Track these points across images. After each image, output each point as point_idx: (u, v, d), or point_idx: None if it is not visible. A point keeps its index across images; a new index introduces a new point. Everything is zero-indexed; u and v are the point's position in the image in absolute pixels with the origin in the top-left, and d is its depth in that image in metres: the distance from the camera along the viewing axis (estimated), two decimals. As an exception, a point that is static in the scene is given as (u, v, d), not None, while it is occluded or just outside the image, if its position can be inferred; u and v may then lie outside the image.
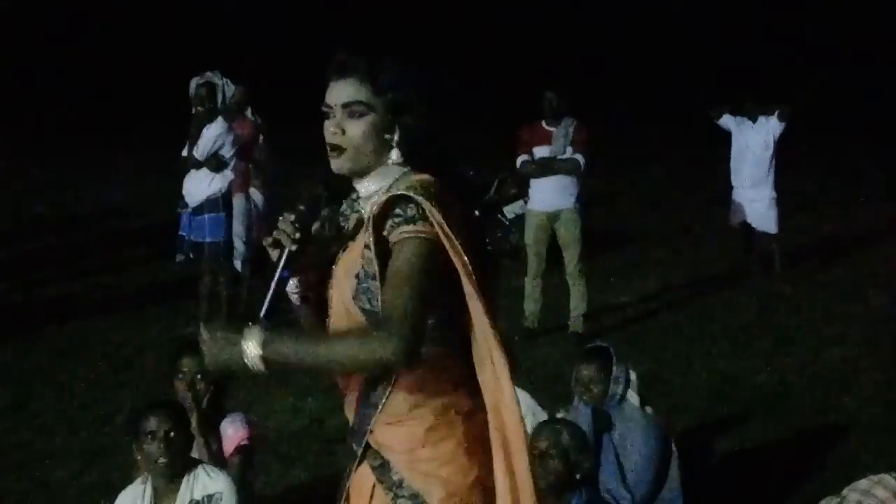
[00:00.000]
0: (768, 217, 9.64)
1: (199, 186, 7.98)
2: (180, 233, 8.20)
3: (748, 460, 5.86)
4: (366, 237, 2.69)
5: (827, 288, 9.43)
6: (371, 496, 2.78)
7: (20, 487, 5.52)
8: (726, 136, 9.89)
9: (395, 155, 2.73)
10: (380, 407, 2.74)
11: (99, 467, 5.67)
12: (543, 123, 8.04)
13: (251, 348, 2.60)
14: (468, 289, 2.66)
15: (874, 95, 19.11)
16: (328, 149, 2.74)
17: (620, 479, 4.61)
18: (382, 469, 2.77)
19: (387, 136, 2.72)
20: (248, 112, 8.98)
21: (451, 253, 2.63)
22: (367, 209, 2.74)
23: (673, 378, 7.13)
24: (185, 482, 3.93)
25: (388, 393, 2.73)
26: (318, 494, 5.40)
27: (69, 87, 20.68)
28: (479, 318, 2.68)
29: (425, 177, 2.72)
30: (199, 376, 4.41)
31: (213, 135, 7.95)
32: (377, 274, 2.66)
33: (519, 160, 8.07)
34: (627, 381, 4.77)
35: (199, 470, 3.97)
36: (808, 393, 6.92)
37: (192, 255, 8.12)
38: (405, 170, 2.75)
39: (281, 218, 2.73)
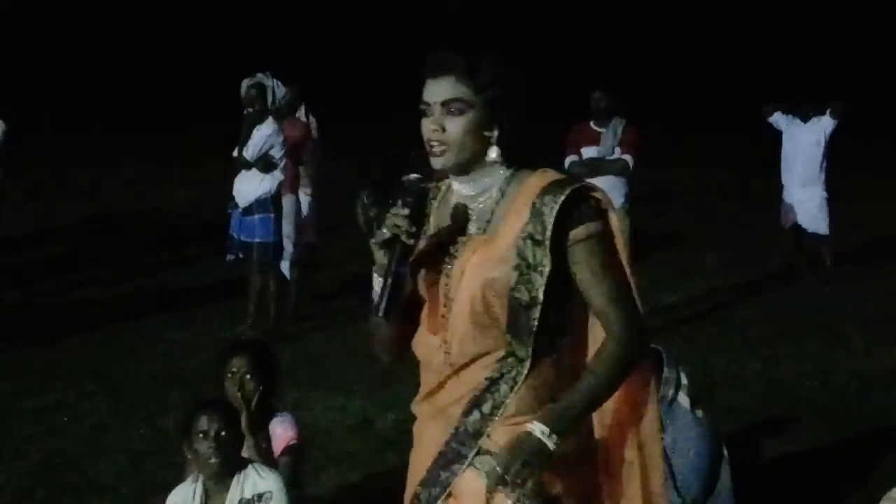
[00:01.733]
0: (819, 218, 9.55)
1: (249, 187, 8.04)
2: (230, 232, 8.25)
3: (800, 464, 5.80)
4: (528, 229, 2.65)
5: (879, 290, 9.33)
6: (488, 502, 2.70)
7: (73, 485, 5.58)
8: (776, 137, 9.81)
9: (494, 153, 2.72)
10: (502, 409, 2.70)
11: (150, 465, 5.72)
12: (592, 124, 8.02)
13: (546, 438, 2.58)
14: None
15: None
16: (427, 146, 2.72)
17: (671, 482, 4.58)
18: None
19: (486, 134, 2.71)
20: (302, 112, 9.02)
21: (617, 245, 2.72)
22: (503, 206, 2.72)
23: (723, 380, 7.07)
24: (236, 481, 3.95)
25: (513, 393, 2.69)
26: (368, 494, 5.42)
27: (124, 90, 20.92)
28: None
29: (553, 172, 2.75)
30: (248, 376, 4.42)
31: (263, 136, 8.00)
32: (545, 267, 2.65)
33: (567, 161, 8.05)
34: (678, 383, 4.74)
35: (250, 469, 3.99)
36: (861, 396, 6.84)
37: (241, 255, 8.17)
38: (511, 169, 2.75)
39: (391, 213, 2.69)
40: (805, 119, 9.59)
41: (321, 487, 5.45)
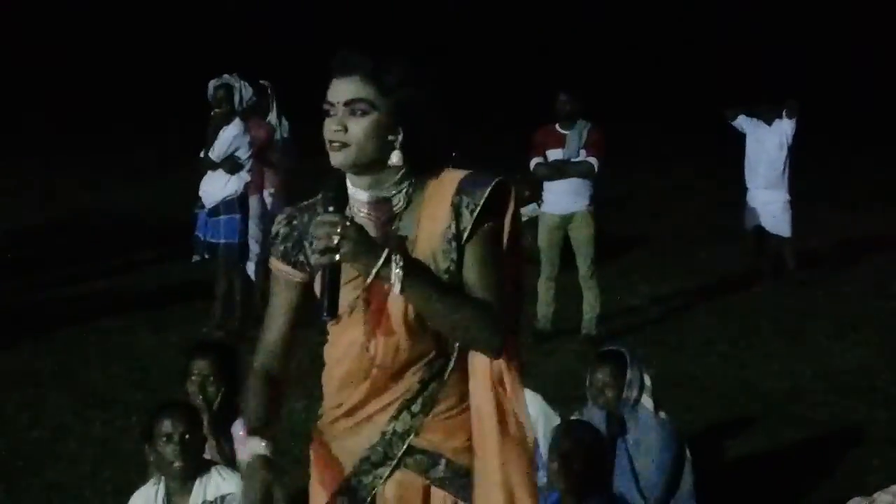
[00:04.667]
0: (782, 220, 9.62)
1: (215, 188, 8.02)
2: (196, 233, 8.22)
3: (761, 464, 5.86)
4: (451, 230, 2.64)
5: (840, 292, 9.41)
6: (426, 500, 2.76)
7: (35, 488, 5.55)
8: (740, 139, 9.87)
9: (395, 157, 2.66)
10: (432, 405, 2.72)
11: (113, 468, 5.69)
12: (557, 126, 8.05)
13: (396, 264, 2.55)
14: None
15: (887, 95, 19.12)
16: (328, 145, 2.67)
17: (634, 484, 4.61)
18: (435, 468, 2.74)
19: (389, 137, 2.65)
20: (274, 113, 8.99)
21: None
22: (412, 213, 2.69)
23: (686, 382, 7.12)
24: (199, 483, 3.95)
25: (441, 390, 2.73)
26: (331, 496, 5.40)
27: (87, 88, 20.78)
28: None
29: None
30: (210, 378, 4.42)
31: (229, 136, 7.98)
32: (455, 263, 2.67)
33: (532, 162, 8.08)
34: (641, 385, 4.76)
35: (213, 471, 3.99)
36: (821, 397, 6.91)
37: (206, 256, 8.15)
38: (413, 175, 2.70)
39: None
40: (769, 121, 9.66)
41: (284, 489, 5.43)
